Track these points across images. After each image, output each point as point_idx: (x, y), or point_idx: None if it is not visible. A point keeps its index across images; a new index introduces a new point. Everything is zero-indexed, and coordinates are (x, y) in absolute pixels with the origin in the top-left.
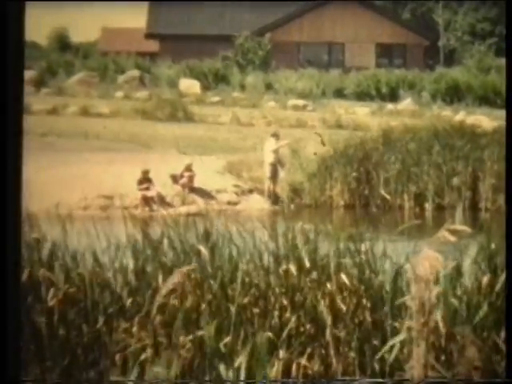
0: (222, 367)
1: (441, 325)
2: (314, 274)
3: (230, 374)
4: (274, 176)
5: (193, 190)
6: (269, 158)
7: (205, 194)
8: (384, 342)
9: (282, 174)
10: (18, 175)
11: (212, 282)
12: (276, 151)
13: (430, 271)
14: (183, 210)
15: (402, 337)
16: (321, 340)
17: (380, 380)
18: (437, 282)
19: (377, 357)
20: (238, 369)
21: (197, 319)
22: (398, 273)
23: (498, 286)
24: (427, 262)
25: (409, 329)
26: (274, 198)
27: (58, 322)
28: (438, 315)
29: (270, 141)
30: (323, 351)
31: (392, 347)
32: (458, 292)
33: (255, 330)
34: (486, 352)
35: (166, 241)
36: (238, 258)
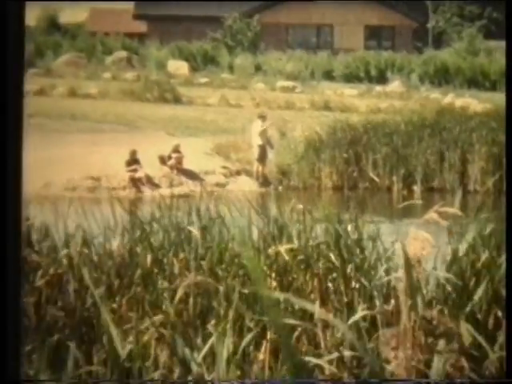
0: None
1: (427, 308)
2: (303, 255)
3: (220, 355)
4: (262, 158)
5: (181, 171)
6: (256, 139)
7: (193, 175)
8: (372, 323)
9: (270, 155)
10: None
11: (202, 263)
12: (263, 133)
13: (420, 252)
14: (171, 191)
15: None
16: (309, 321)
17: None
18: (427, 262)
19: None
20: (227, 350)
21: (186, 300)
22: (387, 253)
23: (493, 269)
24: (417, 243)
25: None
26: (263, 180)
27: (45, 303)
28: (424, 297)
29: (257, 122)
30: (311, 332)
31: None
32: (450, 274)
33: (244, 312)
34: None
35: (154, 222)
36: (227, 238)
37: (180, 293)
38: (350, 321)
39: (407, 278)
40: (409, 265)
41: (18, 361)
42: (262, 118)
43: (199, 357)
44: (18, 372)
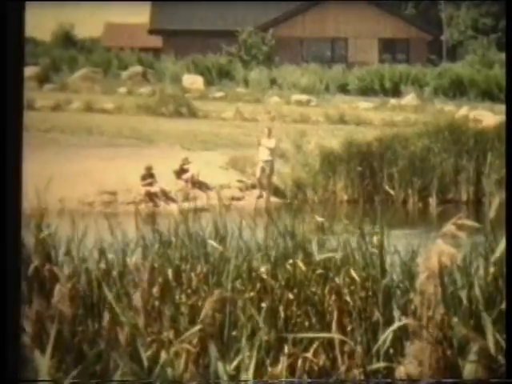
0: (223, 364)
1: (447, 320)
2: (321, 269)
3: (234, 370)
4: (270, 172)
5: (196, 185)
6: (263, 155)
7: (208, 189)
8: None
9: (286, 168)
10: (18, 172)
11: (219, 277)
12: (269, 147)
13: (441, 265)
14: (187, 205)
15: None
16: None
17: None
18: (449, 276)
19: (374, 350)
20: (243, 364)
21: (212, 315)
22: (406, 266)
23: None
24: (439, 256)
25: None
26: (272, 192)
27: (63, 318)
28: (444, 310)
29: (263, 138)
30: (329, 346)
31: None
32: (470, 287)
33: (261, 325)
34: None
35: (171, 236)
36: (245, 252)
37: (207, 308)
38: (375, 347)
39: (429, 291)
40: (432, 278)
41: (17, 361)
42: (268, 133)
43: (230, 368)
44: (18, 372)
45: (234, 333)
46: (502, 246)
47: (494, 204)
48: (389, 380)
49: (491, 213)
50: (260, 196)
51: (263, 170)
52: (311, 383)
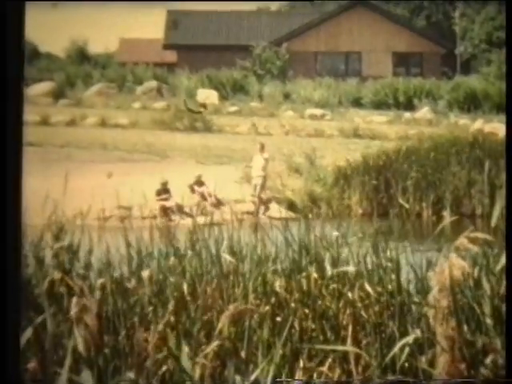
0: (240, 378)
1: (463, 333)
2: (336, 283)
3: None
4: (262, 187)
5: (211, 199)
6: (257, 171)
7: (223, 203)
8: (402, 349)
9: (299, 182)
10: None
11: (236, 291)
12: (263, 163)
13: (454, 279)
14: (202, 219)
15: (410, 339)
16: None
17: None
18: (462, 290)
19: (389, 362)
20: (259, 379)
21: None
22: (420, 280)
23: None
24: (450, 269)
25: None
26: (263, 207)
27: (80, 332)
28: (458, 323)
29: (257, 154)
30: (344, 360)
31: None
32: (482, 300)
33: (276, 339)
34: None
35: (187, 250)
36: (260, 266)
37: (223, 322)
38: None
39: (443, 304)
40: (445, 291)
41: (18, 361)
42: (261, 148)
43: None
44: (18, 372)
45: (250, 347)
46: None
47: (496, 214)
48: (394, 379)
49: (493, 222)
50: (256, 212)
51: (256, 185)
52: None
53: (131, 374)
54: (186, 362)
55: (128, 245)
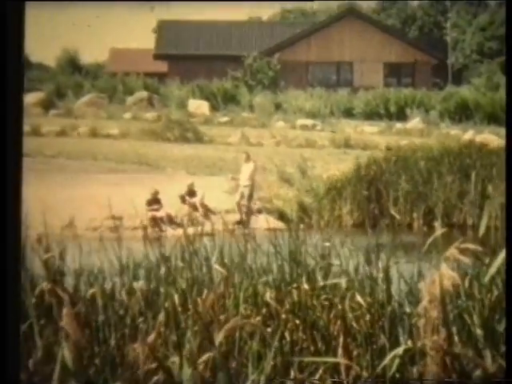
0: None
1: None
2: (326, 293)
3: None
4: (250, 197)
5: (202, 209)
6: (244, 180)
7: (213, 213)
8: (393, 360)
9: (291, 192)
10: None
11: (226, 301)
12: (250, 173)
13: (445, 289)
14: (193, 230)
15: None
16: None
17: None
18: (453, 300)
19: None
20: None
21: (209, 339)
22: (411, 291)
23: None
24: (442, 280)
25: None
26: (249, 216)
27: (69, 342)
28: (448, 333)
29: (244, 164)
30: (335, 371)
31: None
32: (474, 310)
33: (266, 350)
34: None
35: (179, 261)
36: (251, 277)
37: (221, 335)
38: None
39: (433, 315)
40: (435, 301)
41: (17, 361)
42: (247, 158)
43: None
44: (18, 372)
45: (240, 358)
46: (494, 266)
47: (483, 224)
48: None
49: (480, 232)
50: (240, 221)
51: (242, 195)
52: None
53: None
54: (176, 373)
55: (118, 255)
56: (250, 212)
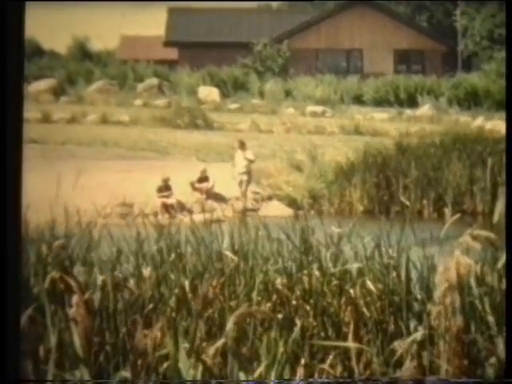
0: (242, 374)
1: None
2: (337, 279)
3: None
4: (247, 183)
5: (212, 196)
6: (239, 168)
7: (224, 200)
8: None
9: (300, 179)
10: (18, 183)
11: (237, 288)
12: (245, 160)
13: (459, 276)
14: (203, 216)
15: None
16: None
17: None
18: (467, 287)
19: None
20: (260, 376)
21: (220, 325)
22: (423, 278)
23: None
24: (457, 267)
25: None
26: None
27: (78, 329)
28: (465, 320)
29: (238, 152)
30: (345, 357)
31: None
32: (485, 298)
33: (277, 336)
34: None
35: (189, 247)
36: (261, 263)
37: (232, 322)
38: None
39: (449, 302)
40: (453, 289)
41: (17, 361)
42: (242, 146)
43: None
44: (18, 372)
45: (252, 345)
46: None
47: (497, 211)
48: (392, 379)
49: (495, 219)
50: (245, 209)
51: (241, 182)
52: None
53: (127, 373)
54: (185, 360)
55: (129, 242)
56: (246, 200)
